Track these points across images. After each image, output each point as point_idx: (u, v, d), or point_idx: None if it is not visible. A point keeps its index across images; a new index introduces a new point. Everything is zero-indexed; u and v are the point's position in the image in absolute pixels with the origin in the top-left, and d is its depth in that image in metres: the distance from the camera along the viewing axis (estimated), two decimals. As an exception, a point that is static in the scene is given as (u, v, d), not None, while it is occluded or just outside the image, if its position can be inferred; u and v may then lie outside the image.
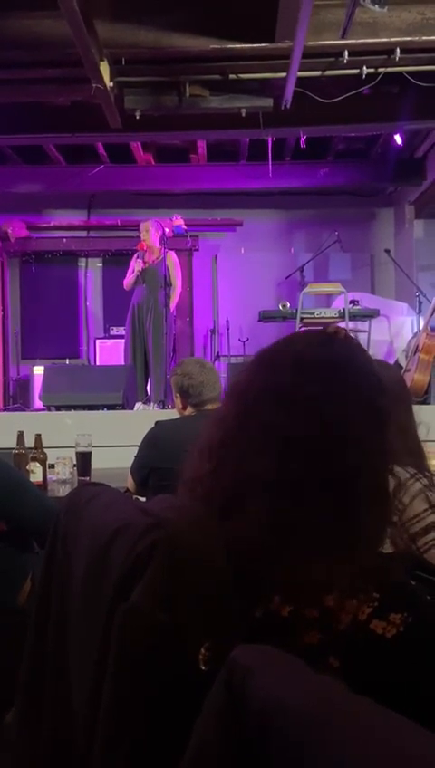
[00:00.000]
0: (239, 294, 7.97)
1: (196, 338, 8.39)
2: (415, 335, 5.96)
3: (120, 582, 0.76)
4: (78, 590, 0.90)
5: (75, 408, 5.08)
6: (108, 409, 5.08)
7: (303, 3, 3.66)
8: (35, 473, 3.06)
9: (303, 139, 5.92)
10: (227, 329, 7.68)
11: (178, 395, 2.89)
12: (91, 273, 8.55)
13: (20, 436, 3.27)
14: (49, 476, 3.22)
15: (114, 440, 3.73)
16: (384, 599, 0.79)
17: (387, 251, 7.27)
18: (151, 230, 6.27)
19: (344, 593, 0.79)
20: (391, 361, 5.69)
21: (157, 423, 2.86)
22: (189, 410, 2.86)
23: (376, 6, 3.76)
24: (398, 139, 6.53)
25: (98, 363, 7.71)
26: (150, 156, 7.36)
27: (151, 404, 5.53)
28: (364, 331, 6.24)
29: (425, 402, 5.26)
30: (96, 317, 8.47)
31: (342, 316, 5.98)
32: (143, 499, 2.58)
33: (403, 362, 5.81)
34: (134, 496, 2.74)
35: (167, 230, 6.45)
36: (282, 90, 4.92)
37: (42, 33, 4.33)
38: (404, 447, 1.93)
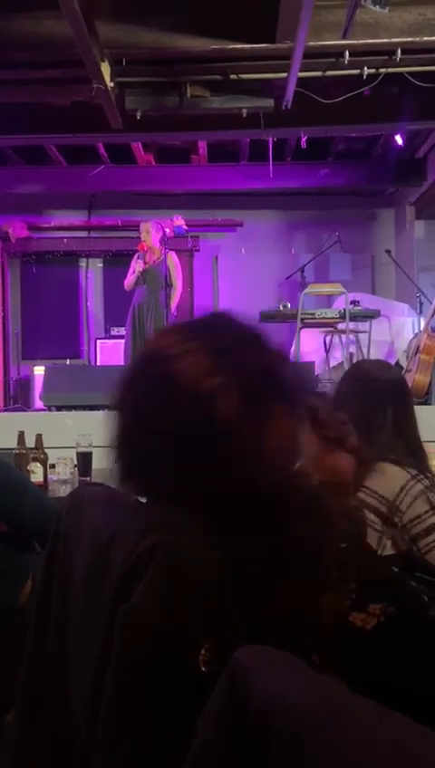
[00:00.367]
0: (240, 295, 7.97)
1: (196, 338, 8.38)
2: (416, 336, 5.96)
3: (120, 583, 0.76)
4: (78, 589, 0.90)
5: (76, 408, 5.08)
6: (108, 410, 5.07)
7: (304, 3, 3.66)
8: (36, 473, 3.06)
9: (303, 140, 5.92)
10: (228, 329, 7.67)
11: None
12: (91, 274, 8.55)
13: (21, 436, 3.28)
14: (50, 476, 3.22)
15: (115, 440, 3.72)
16: (363, 590, 0.77)
17: (388, 251, 7.27)
18: (151, 231, 6.28)
19: (318, 589, 0.76)
20: (392, 362, 5.69)
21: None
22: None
23: (377, 7, 3.76)
24: (398, 139, 6.53)
25: (98, 363, 7.71)
26: (151, 156, 7.36)
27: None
28: (365, 332, 6.25)
29: (426, 403, 5.27)
30: (97, 317, 8.47)
31: (342, 317, 5.99)
32: (143, 499, 2.58)
33: (404, 363, 5.82)
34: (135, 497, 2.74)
35: (167, 230, 6.45)
36: (283, 90, 4.92)
37: (43, 33, 4.33)
38: (405, 448, 1.94)
